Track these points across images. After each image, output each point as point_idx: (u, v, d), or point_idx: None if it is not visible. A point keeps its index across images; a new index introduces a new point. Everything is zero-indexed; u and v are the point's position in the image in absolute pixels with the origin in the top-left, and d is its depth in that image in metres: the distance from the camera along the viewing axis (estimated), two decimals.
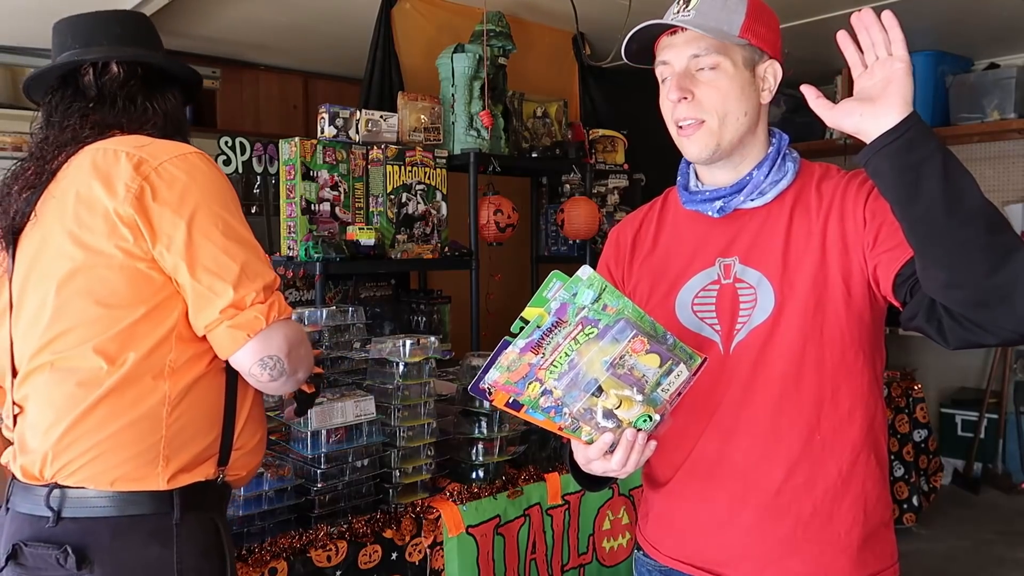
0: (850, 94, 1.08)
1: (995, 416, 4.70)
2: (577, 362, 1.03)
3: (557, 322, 1.01)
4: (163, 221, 1.26)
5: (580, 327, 1.01)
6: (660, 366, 1.05)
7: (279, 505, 2.01)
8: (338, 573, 1.97)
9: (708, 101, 1.23)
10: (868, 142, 1.03)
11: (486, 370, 1.03)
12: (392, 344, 2.23)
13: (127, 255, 1.26)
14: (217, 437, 1.35)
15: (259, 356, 1.28)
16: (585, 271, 1.02)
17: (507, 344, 1.02)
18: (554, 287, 1.01)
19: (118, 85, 1.42)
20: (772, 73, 1.27)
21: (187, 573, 1.28)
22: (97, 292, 1.27)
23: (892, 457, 3.84)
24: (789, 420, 1.22)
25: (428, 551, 2.15)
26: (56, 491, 1.27)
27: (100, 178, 1.28)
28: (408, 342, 2.21)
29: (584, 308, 1.01)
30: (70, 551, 1.23)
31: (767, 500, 1.24)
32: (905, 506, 3.86)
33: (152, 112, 1.43)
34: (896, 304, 1.17)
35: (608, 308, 1.02)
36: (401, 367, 2.22)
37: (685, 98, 1.22)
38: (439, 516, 2.18)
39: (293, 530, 1.97)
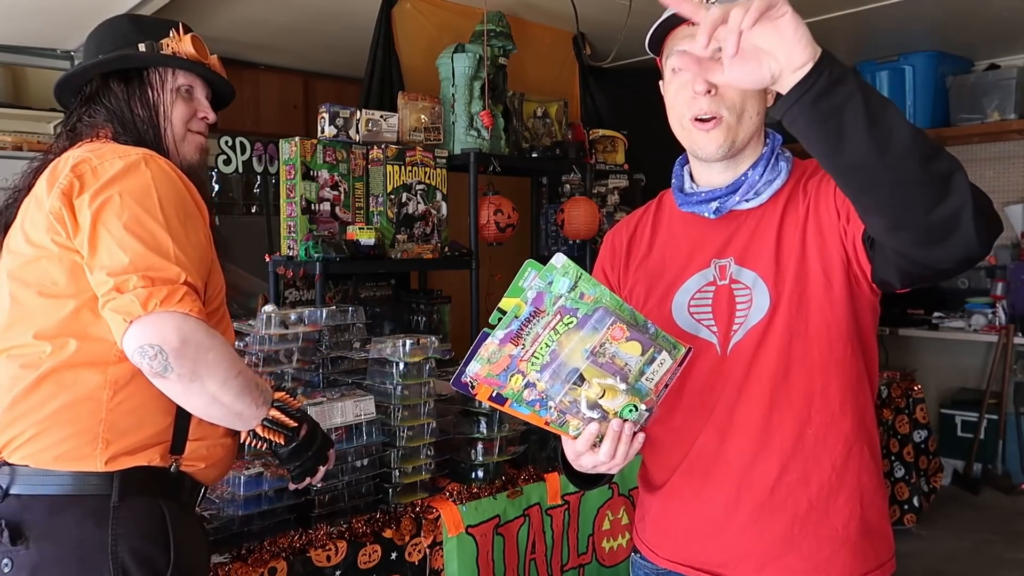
0: None
1: (995, 417, 4.69)
2: (558, 353, 1.02)
3: (535, 312, 1.01)
4: (80, 212, 1.31)
5: (559, 317, 1.01)
6: (642, 354, 1.04)
7: (279, 505, 2.01)
8: (338, 573, 1.97)
9: (729, 96, 1.21)
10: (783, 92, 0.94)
11: (467, 362, 1.02)
12: (392, 344, 2.23)
13: (61, 248, 1.32)
14: (170, 425, 1.37)
15: (139, 343, 1.24)
16: (559, 259, 1.01)
17: (486, 336, 1.02)
18: (529, 276, 1.01)
19: (94, 92, 1.50)
20: None
21: (122, 554, 1.29)
22: (40, 283, 1.34)
23: (892, 458, 3.84)
24: (780, 417, 1.23)
25: (428, 551, 2.15)
26: (5, 468, 1.31)
27: (49, 180, 1.35)
28: (408, 342, 2.21)
29: (561, 297, 1.01)
30: (3, 526, 1.27)
31: (763, 498, 1.24)
32: (905, 507, 3.86)
33: (97, 113, 1.48)
34: (868, 268, 1.18)
35: (585, 297, 1.01)
36: (401, 367, 2.22)
37: (710, 91, 1.21)
38: (439, 516, 2.18)
39: (293, 530, 1.97)
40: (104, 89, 1.50)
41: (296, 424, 1.46)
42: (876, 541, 1.27)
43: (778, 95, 0.96)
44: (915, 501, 3.88)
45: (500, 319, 1.01)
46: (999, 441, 4.69)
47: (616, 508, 2.60)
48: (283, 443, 1.44)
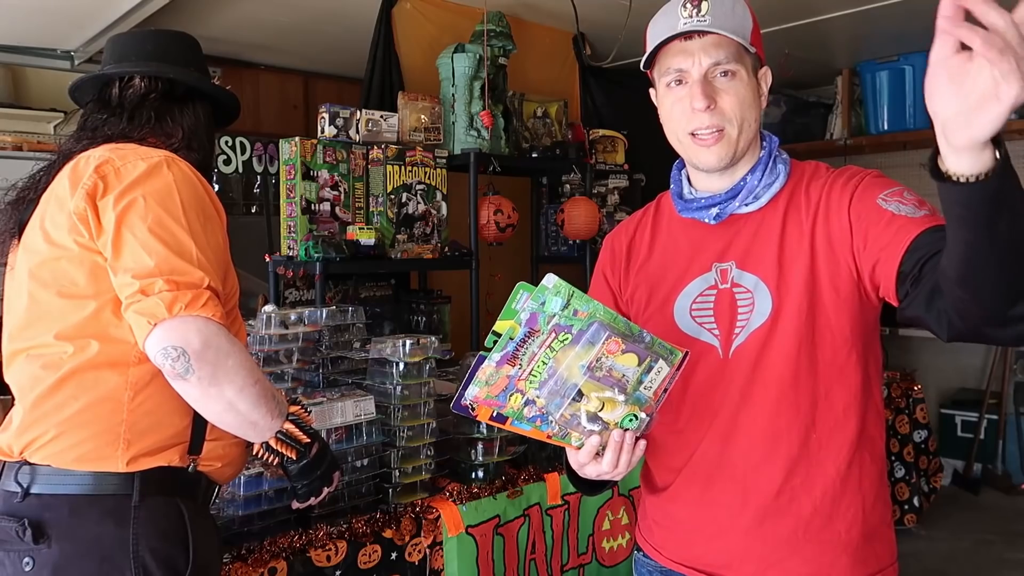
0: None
1: (995, 417, 4.70)
2: (556, 369, 1.02)
3: (529, 332, 1.01)
4: (104, 214, 1.31)
5: (554, 334, 1.01)
6: (639, 364, 1.05)
7: (279, 505, 2.00)
8: (338, 573, 1.97)
9: (729, 109, 1.22)
10: (947, 146, 0.83)
11: (465, 386, 1.03)
12: (392, 344, 2.23)
13: (83, 248, 1.32)
14: (188, 426, 1.38)
15: (162, 345, 1.25)
16: (550, 279, 1.01)
17: (483, 359, 1.02)
18: (521, 298, 1.01)
19: (138, 98, 1.50)
20: (766, 80, 1.29)
21: (143, 554, 1.29)
22: (59, 284, 1.33)
23: (892, 458, 3.85)
24: (787, 421, 1.23)
25: (428, 551, 2.15)
26: (25, 467, 1.32)
27: (72, 179, 1.35)
28: (408, 342, 2.21)
29: (555, 315, 1.01)
30: (27, 524, 1.27)
31: (767, 501, 1.24)
32: (906, 507, 3.86)
33: (167, 125, 1.49)
34: (893, 301, 1.16)
35: (579, 313, 1.01)
36: (401, 367, 2.22)
37: (709, 107, 1.21)
38: (439, 516, 2.18)
39: (293, 530, 1.97)
40: (181, 107, 1.52)
41: (309, 440, 1.47)
42: (878, 546, 1.27)
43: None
44: (915, 501, 3.89)
45: (495, 342, 1.02)
46: (999, 441, 4.70)
47: (616, 508, 2.60)
48: (295, 458, 1.45)
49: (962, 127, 0.80)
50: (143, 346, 1.27)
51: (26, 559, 1.27)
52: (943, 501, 4.31)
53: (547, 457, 2.54)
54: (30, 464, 1.32)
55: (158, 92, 1.50)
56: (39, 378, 1.33)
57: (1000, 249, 0.89)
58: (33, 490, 1.31)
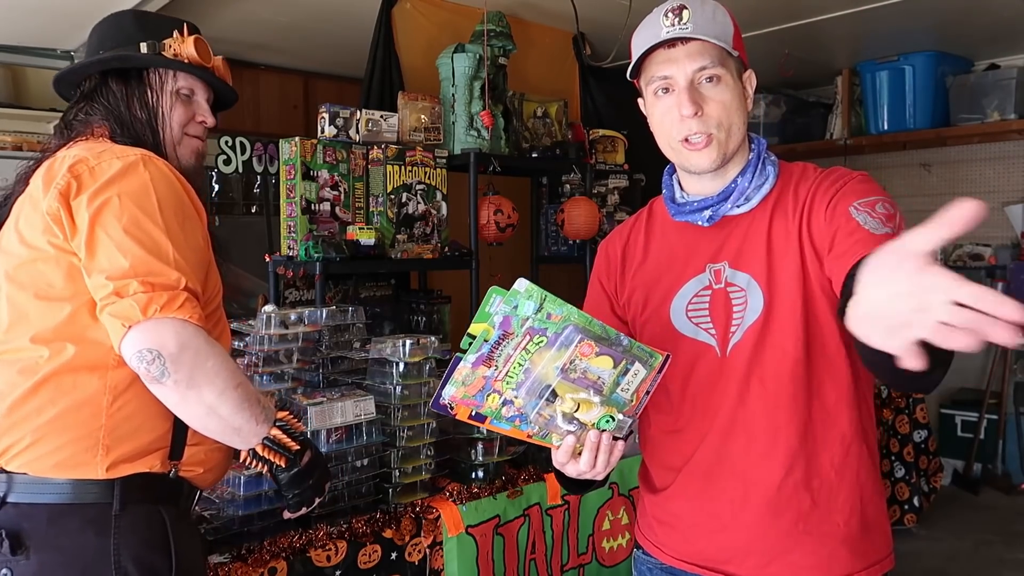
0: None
1: (995, 417, 4.69)
2: (532, 371, 1.04)
3: (504, 334, 1.02)
4: (78, 214, 1.28)
5: (528, 337, 1.02)
6: (614, 367, 1.06)
7: (279, 505, 2.00)
8: (338, 573, 1.97)
9: (715, 115, 1.24)
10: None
11: (443, 386, 1.04)
12: (392, 344, 2.23)
13: (58, 250, 1.29)
14: (168, 430, 1.34)
15: (137, 348, 1.21)
16: (522, 283, 1.02)
17: (459, 360, 1.03)
18: (494, 302, 1.02)
19: (92, 89, 1.48)
20: (751, 83, 1.31)
21: (125, 563, 1.27)
22: (36, 286, 1.30)
23: (892, 458, 3.84)
24: (785, 415, 1.24)
25: (428, 551, 2.15)
26: (2, 476, 1.29)
27: (45, 179, 1.32)
28: (408, 342, 2.21)
29: (528, 319, 1.02)
30: (4, 535, 1.25)
31: (768, 496, 1.25)
32: (906, 507, 3.86)
33: (118, 110, 1.45)
34: None
35: (553, 316, 1.02)
36: (401, 367, 2.22)
37: (697, 113, 1.23)
38: (439, 516, 2.19)
39: (293, 530, 1.97)
40: (103, 87, 1.47)
41: (299, 447, 1.42)
42: (875, 537, 1.30)
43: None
44: (915, 501, 3.88)
45: (471, 343, 1.03)
46: (999, 441, 4.70)
47: (616, 508, 2.60)
48: (284, 466, 1.41)
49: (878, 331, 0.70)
50: (118, 349, 1.24)
51: (3, 571, 1.24)
52: (943, 501, 4.31)
53: (547, 457, 2.50)
54: (7, 472, 1.28)
55: (114, 78, 1.46)
56: (15, 383, 1.29)
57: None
58: (10, 499, 1.27)
